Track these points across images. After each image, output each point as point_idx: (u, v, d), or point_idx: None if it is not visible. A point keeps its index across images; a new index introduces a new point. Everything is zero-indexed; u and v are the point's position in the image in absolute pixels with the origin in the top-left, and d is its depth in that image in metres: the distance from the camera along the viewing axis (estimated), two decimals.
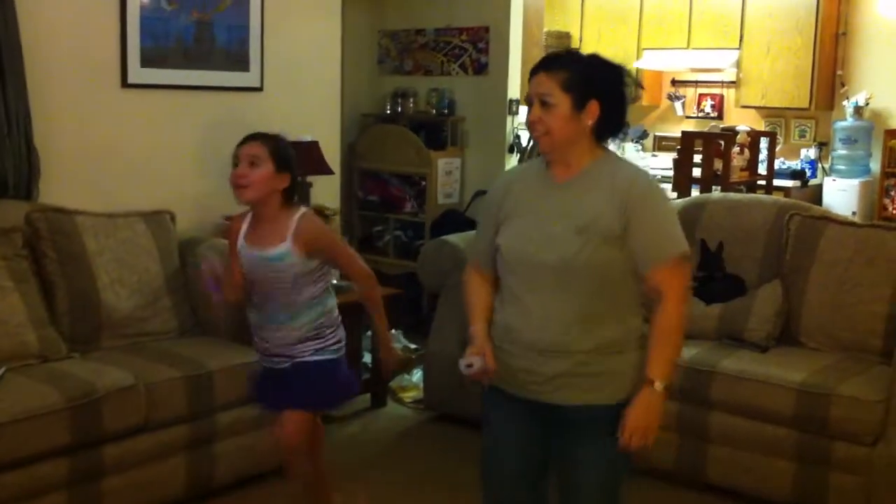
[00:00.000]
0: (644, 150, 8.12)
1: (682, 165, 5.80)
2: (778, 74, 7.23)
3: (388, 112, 6.41)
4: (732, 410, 3.55)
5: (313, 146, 4.78)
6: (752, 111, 7.64)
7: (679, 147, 5.98)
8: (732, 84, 7.68)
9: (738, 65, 7.47)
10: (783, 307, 3.89)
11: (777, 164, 6.86)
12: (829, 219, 4.03)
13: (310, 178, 4.78)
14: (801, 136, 7.53)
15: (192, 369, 3.38)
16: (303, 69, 4.96)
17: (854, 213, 6.59)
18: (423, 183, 6.10)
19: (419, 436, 4.36)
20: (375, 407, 4.64)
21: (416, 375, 4.85)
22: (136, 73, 4.21)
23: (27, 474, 2.93)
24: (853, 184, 6.88)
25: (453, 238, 4.47)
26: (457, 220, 5.89)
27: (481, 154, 6.08)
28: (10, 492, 2.90)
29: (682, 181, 5.70)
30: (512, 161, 5.97)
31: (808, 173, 7.20)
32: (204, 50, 4.47)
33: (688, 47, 7.74)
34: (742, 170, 5.93)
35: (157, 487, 3.28)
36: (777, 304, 3.88)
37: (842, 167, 7.04)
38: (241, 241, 2.92)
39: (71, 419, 3.00)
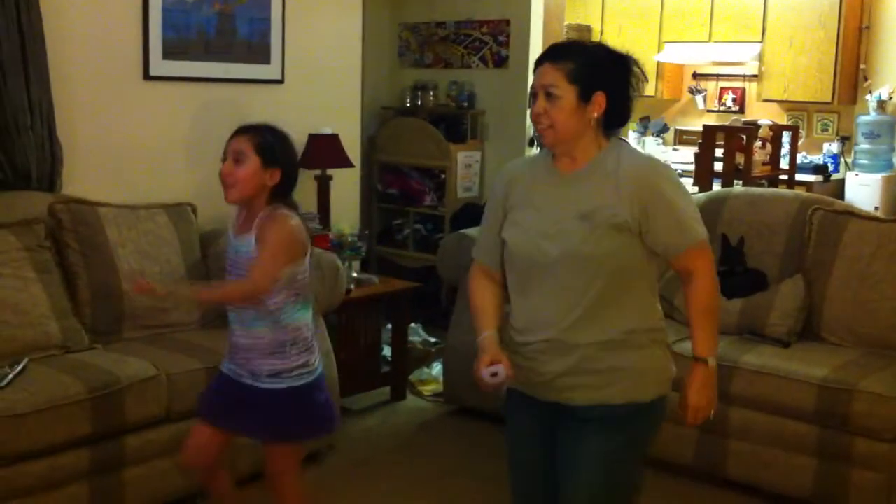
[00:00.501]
0: (665, 143, 8.08)
1: (703, 159, 5.76)
2: (800, 68, 7.18)
3: (408, 105, 6.40)
4: (753, 406, 3.54)
5: (333, 139, 4.79)
6: (774, 105, 7.59)
7: (700, 141, 5.95)
8: (754, 78, 7.63)
9: (761, 58, 7.42)
10: (805, 302, 3.87)
11: (799, 158, 6.81)
12: (852, 213, 4.00)
13: (330, 171, 4.79)
14: (824, 130, 7.47)
15: (214, 360, 3.36)
16: (323, 62, 4.97)
17: (877, 208, 6.54)
18: (443, 176, 6.10)
19: (438, 429, 4.37)
20: (394, 400, 4.65)
21: (436, 369, 4.85)
22: (158, 66, 4.22)
23: (49, 464, 2.95)
24: (876, 178, 6.82)
25: (473, 231, 4.45)
26: (476, 213, 5.85)
27: (501, 147, 6.07)
28: (32, 481, 2.92)
29: (703, 175, 5.68)
30: (532, 154, 5.95)
31: (831, 168, 7.14)
32: (225, 42, 4.48)
33: (709, 40, 7.69)
34: (764, 164, 5.90)
35: (179, 478, 3.28)
36: (799, 299, 3.86)
37: (864, 161, 6.98)
38: (230, 228, 2.81)
39: (93, 409, 3.02)
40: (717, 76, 8.08)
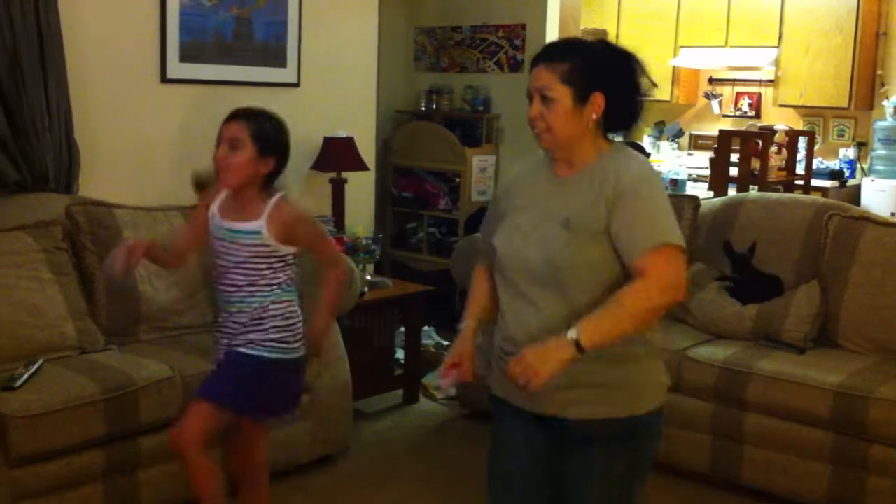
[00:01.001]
0: (680, 148, 8.06)
1: (718, 164, 5.75)
2: (817, 73, 7.16)
3: (424, 109, 6.41)
4: (768, 412, 3.52)
5: (349, 142, 4.80)
6: (791, 110, 7.56)
7: (716, 146, 5.94)
8: (770, 83, 7.61)
9: (777, 63, 7.40)
10: (821, 308, 3.85)
11: (815, 163, 6.78)
12: (869, 219, 3.98)
13: (345, 174, 4.80)
14: (840, 135, 7.45)
15: None
16: (339, 65, 4.98)
17: (893, 214, 6.50)
18: (458, 180, 6.10)
19: (451, 432, 4.36)
20: (407, 403, 4.65)
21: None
22: (175, 69, 4.24)
23: (64, 465, 2.96)
24: (892, 184, 6.78)
25: None
26: None
27: (516, 151, 6.06)
28: (47, 482, 2.93)
29: (718, 180, 5.66)
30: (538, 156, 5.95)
31: (847, 173, 7.12)
32: (242, 45, 4.50)
33: (725, 45, 7.67)
34: (780, 169, 5.88)
35: None
36: (815, 305, 3.84)
37: (881, 167, 6.94)
38: (213, 208, 2.77)
39: (107, 410, 3.03)
40: (734, 81, 8.06)
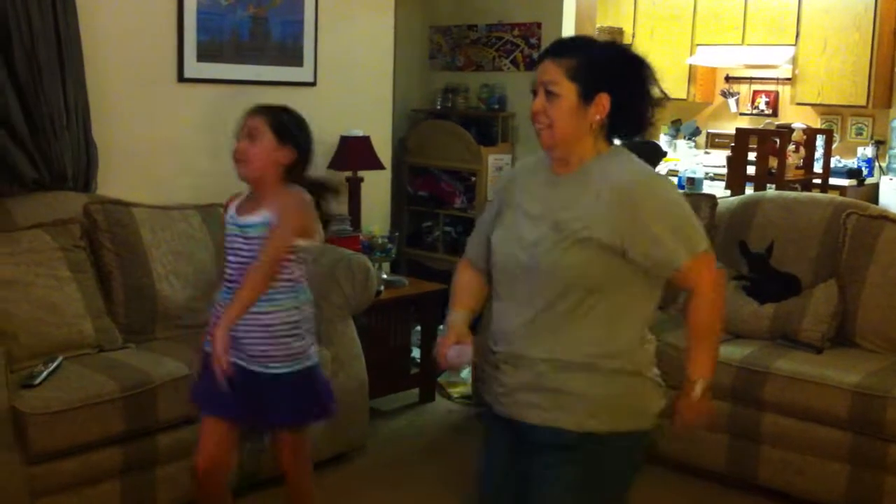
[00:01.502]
0: (697, 147, 8.04)
1: (735, 163, 5.72)
2: (835, 71, 7.12)
3: (439, 108, 6.40)
4: (786, 412, 3.51)
5: (365, 141, 4.81)
6: (808, 108, 7.53)
7: (733, 144, 5.91)
8: (788, 81, 7.58)
9: (794, 61, 7.36)
10: (838, 307, 3.83)
11: (833, 162, 6.74)
12: (887, 218, 3.96)
13: (361, 173, 4.81)
14: (858, 134, 7.41)
15: None
16: (355, 64, 4.99)
17: None
18: (473, 179, 6.09)
19: (467, 431, 4.36)
20: (423, 402, 4.66)
21: (465, 371, 4.85)
22: (193, 68, 4.26)
23: (82, 461, 2.98)
24: None
25: None
26: None
27: (532, 150, 5.98)
28: (65, 479, 2.96)
29: (735, 179, 5.63)
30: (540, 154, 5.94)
31: (865, 172, 7.08)
32: (259, 45, 4.52)
33: (742, 43, 7.64)
34: (797, 168, 5.84)
35: None
36: (832, 304, 3.82)
37: None
38: (231, 209, 2.75)
39: (126, 408, 3.05)
40: (751, 79, 8.03)
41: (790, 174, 5.69)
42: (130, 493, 3.13)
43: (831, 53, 7.11)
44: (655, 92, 2.14)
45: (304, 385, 2.72)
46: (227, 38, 4.38)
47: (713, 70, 8.14)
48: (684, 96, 7.96)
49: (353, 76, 4.97)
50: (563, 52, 2.10)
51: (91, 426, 2.97)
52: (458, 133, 6.12)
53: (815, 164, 6.13)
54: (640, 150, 5.93)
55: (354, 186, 4.81)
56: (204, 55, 4.29)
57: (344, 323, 3.80)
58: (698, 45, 7.87)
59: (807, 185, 5.81)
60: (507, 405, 2.15)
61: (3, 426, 2.84)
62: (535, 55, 5.96)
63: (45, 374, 3.04)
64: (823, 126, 7.26)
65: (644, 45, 8.04)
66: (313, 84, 4.77)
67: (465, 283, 2.32)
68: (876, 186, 6.98)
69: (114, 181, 3.96)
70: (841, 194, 6.05)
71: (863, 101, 7.02)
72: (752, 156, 5.63)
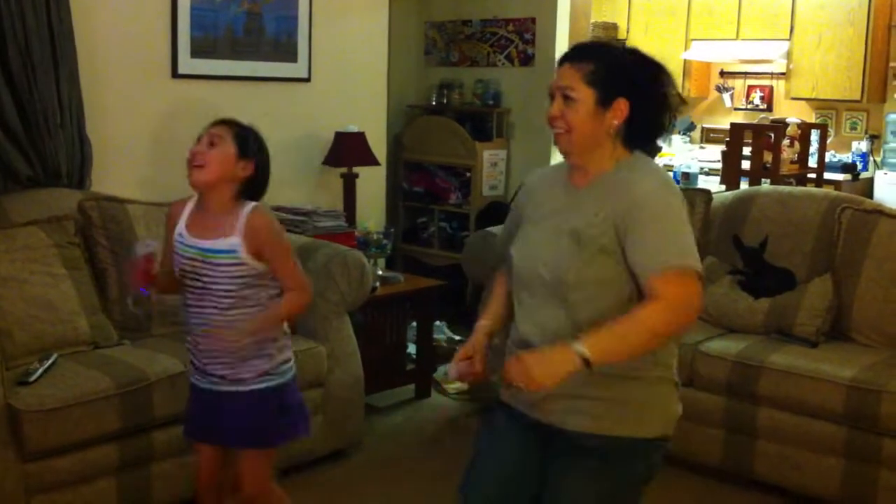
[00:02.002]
0: (692, 142, 8.05)
1: (730, 158, 5.73)
2: (829, 66, 7.13)
3: (434, 103, 6.40)
4: (781, 406, 3.51)
5: (359, 137, 4.81)
6: (803, 103, 7.54)
7: (728, 139, 5.92)
8: (782, 76, 7.59)
9: (789, 56, 7.37)
10: (833, 302, 3.84)
11: (828, 156, 6.76)
12: (882, 212, 3.96)
13: (356, 169, 4.80)
14: (853, 128, 7.42)
15: None
16: (350, 60, 4.98)
17: None
18: (469, 174, 6.09)
19: (463, 427, 4.37)
20: (419, 398, 4.65)
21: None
22: (186, 64, 4.25)
23: (78, 459, 2.98)
24: None
25: (498, 230, 4.45)
26: (501, 211, 5.86)
27: (527, 146, 6.06)
28: (61, 476, 2.95)
29: (730, 174, 5.64)
30: (557, 153, 5.93)
31: (860, 166, 7.10)
32: (253, 41, 4.51)
33: (737, 38, 7.65)
34: (792, 162, 5.86)
35: None
36: (827, 298, 3.82)
37: (894, 160, 6.93)
38: (180, 227, 2.57)
39: (121, 405, 3.04)
40: (745, 74, 8.04)
41: (785, 169, 5.70)
42: (126, 490, 3.12)
43: (826, 48, 7.12)
44: (673, 97, 2.12)
45: (267, 404, 2.60)
46: (221, 34, 4.37)
47: (707, 65, 8.14)
48: (679, 91, 7.96)
49: (347, 72, 4.97)
50: (581, 56, 2.08)
51: (86, 423, 2.96)
52: (453, 129, 6.12)
53: (810, 158, 6.14)
54: None
55: (349, 182, 4.80)
56: (198, 51, 4.29)
57: (339, 319, 3.80)
58: (693, 39, 7.88)
59: (801, 180, 5.82)
60: (545, 411, 2.11)
61: None
62: (530, 51, 5.97)
63: (40, 371, 3.03)
64: (818, 121, 7.27)
65: (638, 41, 8.04)
66: (308, 80, 4.77)
67: (498, 294, 2.33)
68: (871, 181, 7.00)
69: (108, 178, 3.95)
70: (836, 189, 6.09)
71: (857, 96, 7.03)
72: (746, 150, 5.64)
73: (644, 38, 8.00)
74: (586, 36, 6.61)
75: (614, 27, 8.18)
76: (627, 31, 8.15)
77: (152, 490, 3.19)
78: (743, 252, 4.08)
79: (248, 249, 2.50)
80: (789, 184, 5.29)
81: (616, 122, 2.06)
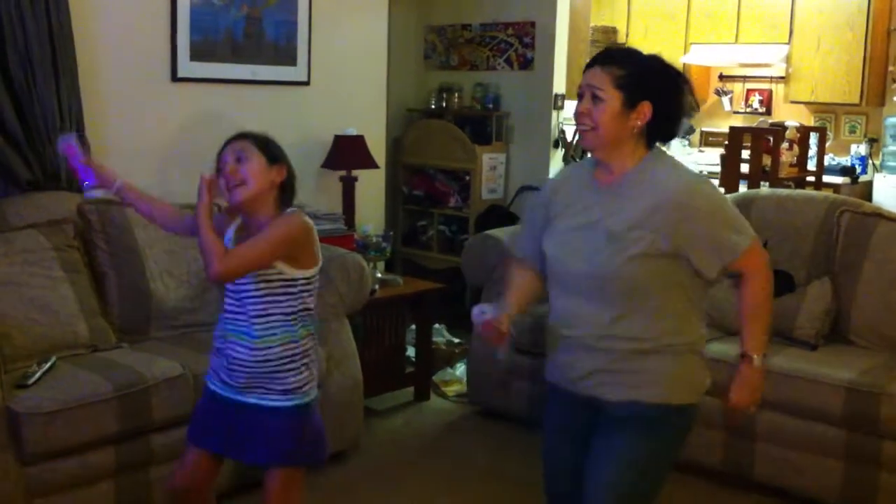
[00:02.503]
0: (691, 145, 8.05)
1: (729, 161, 5.73)
2: (828, 70, 7.14)
3: (434, 107, 6.41)
4: (781, 409, 3.51)
5: (359, 140, 4.81)
6: (802, 107, 7.54)
7: (727, 142, 5.92)
8: (781, 79, 7.59)
9: (788, 60, 7.38)
10: (832, 305, 3.84)
11: (827, 160, 6.77)
12: (881, 216, 3.97)
13: (355, 172, 4.81)
14: (852, 131, 7.43)
15: None
16: (349, 64, 4.99)
17: None
18: (468, 178, 6.10)
19: (463, 430, 4.37)
20: (418, 400, 4.65)
21: (460, 369, 4.85)
22: (186, 67, 4.26)
23: (76, 462, 2.97)
24: None
25: (497, 232, 4.47)
26: (501, 214, 5.88)
27: (526, 149, 6.06)
28: (60, 479, 2.94)
29: (729, 177, 5.65)
30: (556, 156, 5.95)
31: (859, 170, 7.10)
32: (253, 44, 4.51)
33: (736, 42, 7.66)
34: (791, 166, 5.86)
35: None
36: (826, 301, 3.83)
37: (893, 163, 6.93)
38: (228, 236, 2.56)
39: (120, 408, 3.04)
40: (744, 78, 8.04)
41: (784, 172, 5.70)
42: (125, 493, 3.12)
43: (825, 52, 7.13)
44: (690, 103, 2.33)
45: (295, 422, 2.55)
46: (221, 37, 4.38)
47: (707, 69, 8.15)
48: None
49: (347, 75, 4.97)
50: (611, 61, 2.25)
51: (85, 426, 2.95)
52: (452, 132, 6.13)
53: (809, 161, 6.15)
54: None
55: (349, 185, 4.81)
56: (197, 55, 4.29)
57: (339, 322, 3.80)
58: (692, 43, 7.89)
59: (800, 183, 5.83)
60: (584, 386, 2.32)
61: None
62: (530, 54, 5.97)
63: (38, 374, 3.03)
64: (817, 124, 7.28)
65: (638, 44, 8.05)
66: (307, 83, 4.77)
67: (521, 284, 2.47)
68: (870, 184, 7.00)
69: None
70: (835, 192, 6.07)
71: (856, 99, 7.04)
72: (745, 154, 5.65)
73: (643, 42, 8.00)
74: (586, 40, 6.63)
75: (614, 31, 8.19)
76: (627, 35, 8.16)
77: (151, 493, 3.18)
78: None
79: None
80: (788, 187, 5.30)
81: (639, 123, 2.24)
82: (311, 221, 2.56)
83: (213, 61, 4.36)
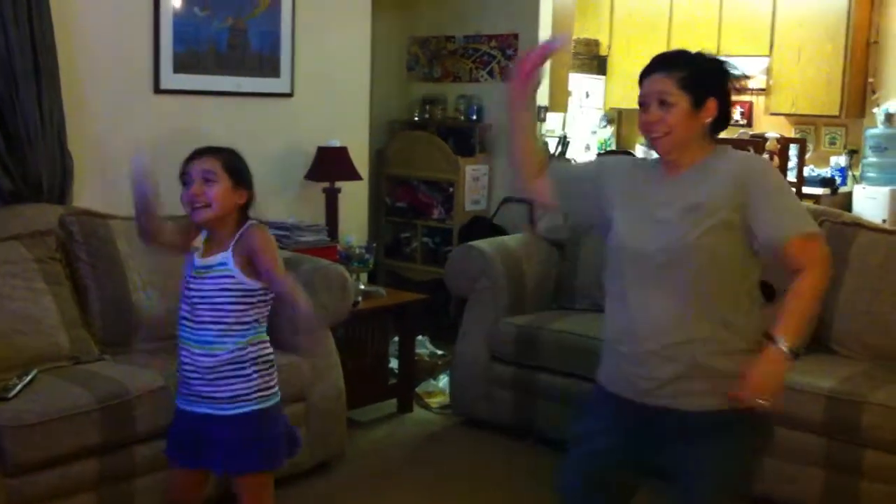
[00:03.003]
0: None
1: None
2: (808, 82, 7.19)
3: (417, 119, 6.43)
4: None
5: (342, 151, 4.82)
6: (782, 118, 7.59)
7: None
8: (762, 91, 7.63)
9: (769, 72, 7.43)
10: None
11: (807, 171, 6.83)
12: (861, 225, 4.00)
13: (338, 184, 4.81)
14: (832, 143, 7.48)
15: None
16: (333, 75, 5.00)
17: (884, 221, 6.53)
18: (451, 189, 6.12)
19: (446, 441, 4.36)
20: (402, 412, 4.65)
21: (443, 381, 4.85)
22: (169, 79, 4.26)
23: (58, 474, 2.95)
24: (883, 191, 6.80)
25: (480, 243, 4.48)
26: (484, 226, 5.90)
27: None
28: (41, 491, 2.92)
29: None
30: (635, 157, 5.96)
31: (839, 181, 7.15)
32: (236, 56, 4.52)
33: (717, 54, 7.67)
34: None
35: None
36: None
37: (872, 175, 6.97)
38: (198, 242, 2.65)
39: (102, 420, 3.02)
40: None
41: None
42: None
43: (805, 64, 7.17)
44: (740, 82, 2.40)
45: (248, 429, 2.59)
46: (205, 48, 4.38)
47: None
48: None
49: (330, 87, 4.98)
50: (671, 65, 2.29)
51: (67, 438, 2.94)
52: (436, 144, 6.15)
53: (790, 173, 6.19)
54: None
55: (332, 197, 4.81)
56: (181, 66, 4.29)
57: (322, 333, 3.79)
58: None
59: None
60: (656, 396, 2.28)
61: None
62: (512, 66, 5.98)
63: (19, 386, 3.01)
64: (797, 135, 7.33)
65: (619, 56, 8.11)
66: (290, 95, 4.78)
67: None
68: (849, 195, 7.05)
69: (90, 193, 3.94)
70: (815, 203, 6.12)
71: (836, 111, 7.08)
72: None
73: (625, 54, 8.05)
74: (569, 52, 6.66)
75: (596, 43, 8.23)
76: (609, 47, 8.20)
77: None
78: None
79: (239, 263, 2.54)
80: None
81: (708, 120, 2.30)
82: (269, 231, 2.68)
83: (196, 73, 4.37)
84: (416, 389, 4.79)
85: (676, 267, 2.24)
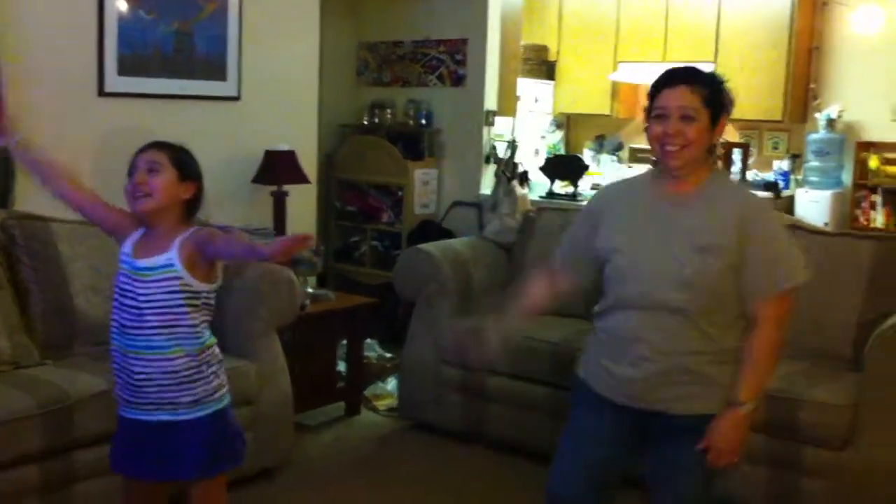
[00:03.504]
0: (620, 161, 8.17)
1: None
2: (752, 87, 7.28)
3: (367, 123, 6.44)
4: None
5: (290, 155, 4.81)
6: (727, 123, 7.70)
7: (654, 158, 6.02)
8: None
9: None
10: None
11: (750, 175, 6.94)
12: (800, 227, 4.07)
13: (286, 188, 4.80)
14: (775, 148, 7.60)
15: None
16: (280, 79, 4.99)
17: (826, 224, 6.66)
18: (401, 193, 6.13)
19: (394, 444, 4.37)
20: (349, 415, 4.65)
21: (391, 384, 4.86)
22: (114, 82, 4.22)
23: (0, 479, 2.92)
24: (825, 195, 6.95)
25: (428, 247, 4.50)
26: (433, 230, 5.92)
27: (458, 165, 6.11)
28: None
29: None
30: (488, 172, 6.00)
31: (781, 185, 7.26)
32: (183, 59, 4.50)
33: (664, 60, 7.78)
34: None
35: None
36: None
37: (814, 179, 7.11)
38: (126, 247, 2.55)
39: (43, 425, 2.99)
40: None
41: None
42: None
43: (749, 70, 7.28)
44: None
45: (211, 431, 2.56)
46: (150, 51, 4.36)
47: (635, 86, 8.27)
48: (608, 112, 8.10)
49: (278, 91, 4.97)
50: (696, 80, 2.34)
51: (8, 444, 2.90)
52: (385, 148, 6.16)
53: (733, 177, 6.28)
54: (566, 163, 6.09)
55: (279, 200, 4.80)
56: (126, 69, 4.26)
57: (269, 337, 3.78)
58: (620, 62, 8.01)
59: None
60: (649, 401, 2.37)
61: None
62: (461, 71, 6.03)
63: None
64: (741, 140, 7.44)
65: (568, 62, 8.18)
66: (238, 98, 4.76)
67: (535, 289, 2.61)
68: (792, 199, 7.17)
69: (32, 196, 3.86)
70: None
71: (779, 116, 7.20)
72: None
73: (573, 60, 8.13)
74: (518, 58, 6.70)
75: (545, 49, 8.29)
76: (558, 53, 8.26)
77: None
78: None
79: (185, 261, 2.46)
80: None
81: (719, 138, 2.39)
82: None
83: (141, 76, 4.34)
84: (365, 392, 4.79)
85: (677, 293, 2.31)
